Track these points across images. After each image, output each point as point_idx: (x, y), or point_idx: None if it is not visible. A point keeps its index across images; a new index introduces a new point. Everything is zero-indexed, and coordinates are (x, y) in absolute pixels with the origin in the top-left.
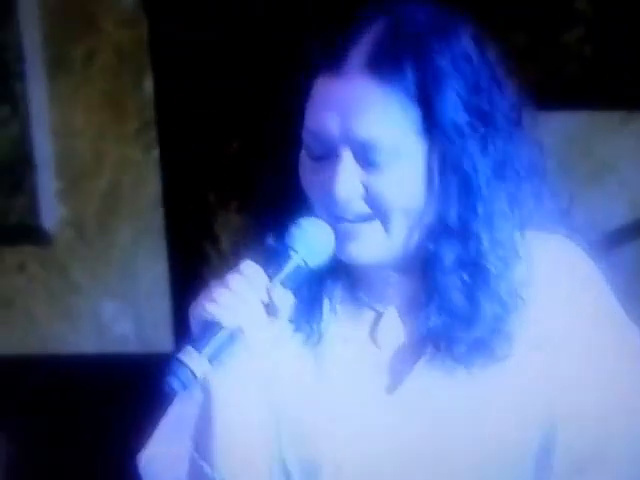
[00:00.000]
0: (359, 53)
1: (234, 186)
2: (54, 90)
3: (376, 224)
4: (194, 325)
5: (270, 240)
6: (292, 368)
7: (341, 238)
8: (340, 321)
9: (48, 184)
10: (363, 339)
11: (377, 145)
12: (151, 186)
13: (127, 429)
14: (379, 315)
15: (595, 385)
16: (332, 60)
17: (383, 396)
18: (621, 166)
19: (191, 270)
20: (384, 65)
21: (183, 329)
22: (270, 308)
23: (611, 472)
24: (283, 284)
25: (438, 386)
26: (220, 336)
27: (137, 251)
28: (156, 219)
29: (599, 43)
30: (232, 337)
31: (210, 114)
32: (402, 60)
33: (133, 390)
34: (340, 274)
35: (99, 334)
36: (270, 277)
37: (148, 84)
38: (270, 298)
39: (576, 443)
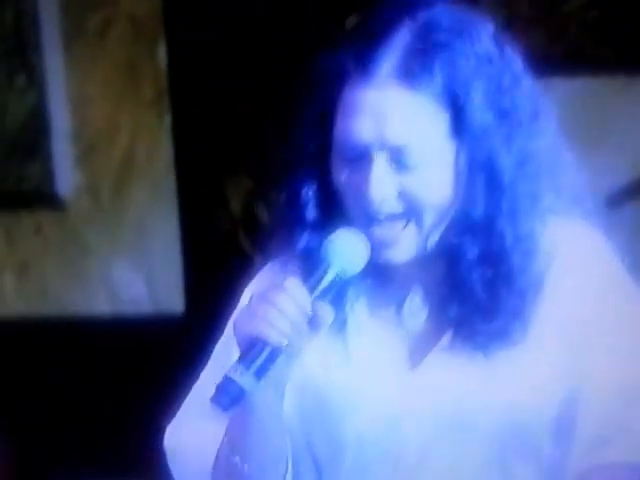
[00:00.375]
0: (389, 61)
1: (244, 151)
2: (70, 59)
3: (409, 224)
4: (240, 340)
5: (307, 254)
6: (318, 349)
7: (378, 244)
8: (365, 302)
9: (64, 151)
10: (388, 318)
11: (409, 149)
12: (164, 152)
13: (141, 389)
14: (404, 296)
15: (618, 361)
16: (362, 68)
17: (405, 373)
18: (622, 130)
19: (202, 233)
20: (414, 72)
21: (194, 290)
22: (312, 322)
23: (635, 445)
24: (322, 297)
25: (457, 363)
26: (266, 352)
27: (150, 215)
28: (169, 184)
29: (601, 10)
30: (277, 352)
31: (222, 82)
32: (431, 67)
33: (146, 350)
34: (367, 266)
35: (113, 296)
36: (309, 291)
37: (162, 53)
38: (313, 313)
39: (600, 417)
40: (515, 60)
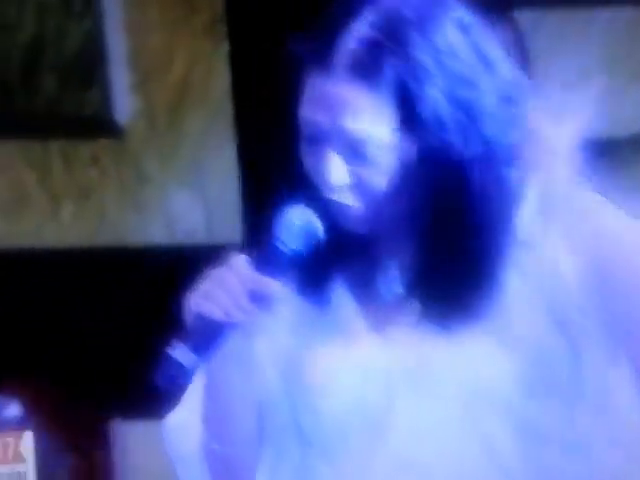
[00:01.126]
0: (342, 54)
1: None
2: None
3: (362, 203)
4: (187, 318)
5: (258, 233)
6: (294, 322)
7: (332, 208)
8: (342, 277)
9: (121, 78)
10: (363, 292)
11: (363, 141)
12: (221, 79)
13: None
14: (379, 270)
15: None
16: (318, 59)
17: (375, 342)
18: None
19: (259, 161)
20: (365, 67)
21: (251, 219)
22: (259, 299)
23: None
24: (271, 274)
25: (424, 334)
26: (208, 330)
27: (207, 143)
28: (225, 112)
29: None
30: (222, 329)
31: (278, 9)
32: (382, 62)
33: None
34: (343, 242)
35: (169, 225)
36: (258, 268)
37: None
38: (258, 289)
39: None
40: (488, 46)
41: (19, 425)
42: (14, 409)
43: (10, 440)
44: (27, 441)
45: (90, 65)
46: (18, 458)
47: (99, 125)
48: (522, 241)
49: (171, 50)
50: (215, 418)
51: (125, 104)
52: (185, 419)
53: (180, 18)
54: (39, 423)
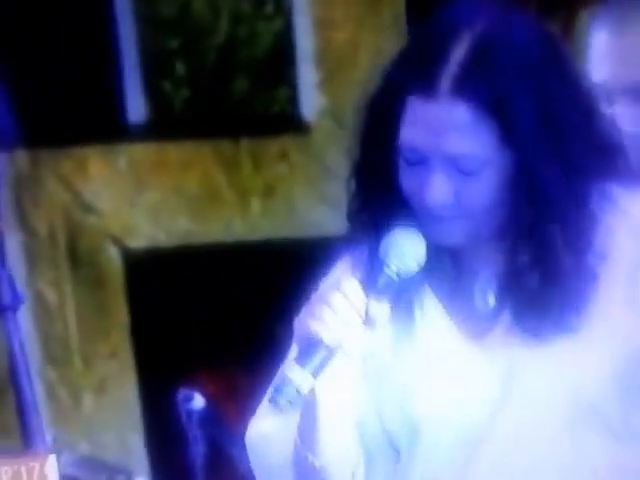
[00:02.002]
0: (444, 76)
1: None
2: None
3: (462, 220)
4: (298, 339)
5: (366, 255)
6: (389, 337)
7: (431, 227)
8: (434, 290)
9: (308, 75)
10: (456, 304)
11: (465, 158)
12: None
13: None
14: (474, 277)
15: None
16: (421, 82)
17: (468, 353)
18: None
19: None
20: (467, 88)
21: None
22: (368, 322)
23: None
24: (378, 297)
25: (516, 344)
26: (322, 352)
27: None
28: None
29: None
30: (333, 352)
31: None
32: (481, 82)
33: None
34: (436, 255)
35: None
36: (366, 291)
37: None
38: (368, 313)
39: None
40: (570, 66)
41: (203, 418)
42: (199, 401)
43: (35, 465)
44: (51, 464)
45: (279, 64)
46: None
47: (287, 122)
48: (609, 254)
49: (356, 47)
50: (313, 432)
51: (312, 101)
52: (271, 430)
53: (365, 15)
54: (223, 415)
